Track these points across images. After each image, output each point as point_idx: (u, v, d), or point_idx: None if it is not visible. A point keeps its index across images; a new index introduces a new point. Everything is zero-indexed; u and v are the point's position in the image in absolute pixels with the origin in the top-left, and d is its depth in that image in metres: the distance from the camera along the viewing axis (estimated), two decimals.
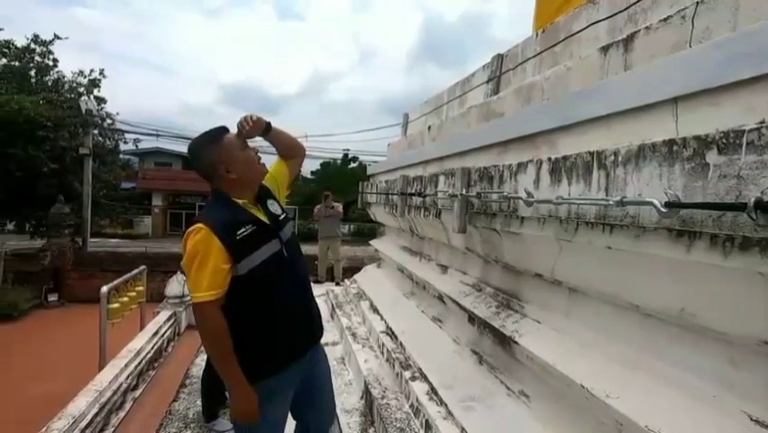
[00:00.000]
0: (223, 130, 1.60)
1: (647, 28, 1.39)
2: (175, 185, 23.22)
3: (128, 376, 4.11)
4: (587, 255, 1.41)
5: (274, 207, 1.67)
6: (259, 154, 1.63)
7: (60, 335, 9.28)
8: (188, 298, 6.72)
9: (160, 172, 24.58)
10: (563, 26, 2.04)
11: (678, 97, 1.13)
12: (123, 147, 17.93)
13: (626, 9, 1.62)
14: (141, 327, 5.93)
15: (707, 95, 1.06)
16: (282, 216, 1.68)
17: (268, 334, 1.53)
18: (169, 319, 6.04)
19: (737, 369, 1.04)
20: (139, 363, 4.51)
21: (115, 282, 5.89)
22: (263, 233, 1.54)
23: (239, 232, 1.46)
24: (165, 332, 5.72)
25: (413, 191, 2.92)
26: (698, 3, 1.22)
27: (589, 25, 1.79)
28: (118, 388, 3.81)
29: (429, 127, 3.44)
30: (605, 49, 1.55)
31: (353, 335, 3.45)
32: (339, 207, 8.08)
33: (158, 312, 6.31)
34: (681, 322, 1.15)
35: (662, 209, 0.98)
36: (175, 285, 6.85)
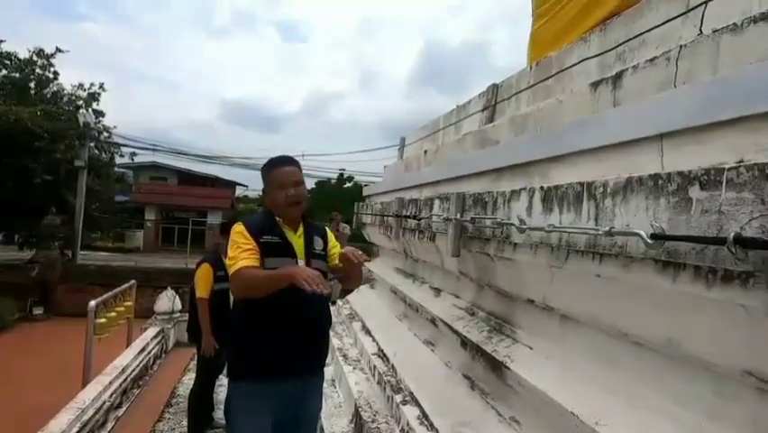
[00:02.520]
0: (273, 163, 1.88)
1: (635, 67, 1.46)
2: (169, 200, 23.14)
3: (112, 394, 4.03)
4: (577, 283, 1.44)
5: (317, 243, 1.91)
6: (291, 198, 1.81)
7: (45, 349, 9.05)
8: (177, 314, 6.63)
9: (154, 186, 24.51)
10: (556, 61, 2.13)
11: (663, 134, 1.19)
12: (118, 160, 17.95)
13: (614, 48, 1.71)
14: (128, 344, 5.82)
15: (690, 133, 1.11)
16: (319, 252, 1.90)
17: (266, 340, 1.70)
18: (156, 336, 5.95)
19: (723, 399, 1.06)
20: (124, 381, 4.42)
21: (104, 297, 5.80)
22: (284, 248, 1.79)
23: (264, 236, 1.76)
24: (152, 349, 5.63)
25: (408, 214, 2.96)
26: (681, 46, 1.29)
27: (581, 61, 1.88)
28: (101, 406, 3.73)
29: (425, 151, 3.51)
30: (595, 84, 1.63)
31: (344, 356, 3.43)
32: (347, 228, 8.11)
33: (146, 328, 6.21)
34: (669, 351, 1.18)
35: (649, 240, 1.02)
36: (165, 301, 6.77)
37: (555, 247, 1.46)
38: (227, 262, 1.77)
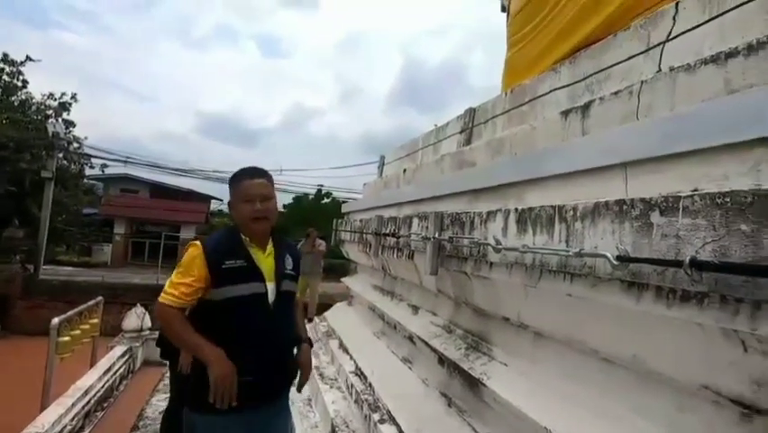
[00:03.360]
0: (244, 175, 1.71)
1: (601, 98, 1.57)
2: (141, 213, 22.49)
3: (74, 417, 3.85)
4: (550, 301, 1.51)
5: (288, 261, 1.77)
6: (258, 212, 1.66)
7: (1, 368, 8.53)
8: (146, 332, 6.40)
9: (125, 199, 23.77)
10: (529, 89, 2.25)
11: (627, 163, 1.28)
12: (89, 172, 17.39)
13: (583, 80, 1.82)
14: (93, 363, 5.57)
15: (650, 162, 1.21)
16: (289, 272, 1.77)
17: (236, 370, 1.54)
18: (123, 355, 5.72)
19: (684, 412, 1.13)
20: (87, 403, 4.23)
21: (68, 314, 5.54)
22: (250, 272, 1.63)
23: (227, 262, 1.59)
24: (119, 369, 5.40)
25: (387, 232, 3.00)
26: (642, 82, 1.40)
27: (552, 91, 1.99)
28: (62, 430, 3.55)
29: (404, 171, 3.58)
30: (565, 113, 1.73)
31: (321, 375, 3.39)
32: (323, 244, 8.06)
33: (112, 347, 5.96)
34: (635, 367, 1.25)
35: (615, 262, 1.09)
36: (133, 318, 6.53)
37: (529, 267, 1.53)
38: (166, 282, 1.60)
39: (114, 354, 5.63)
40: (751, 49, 1.10)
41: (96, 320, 6.40)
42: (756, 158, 0.97)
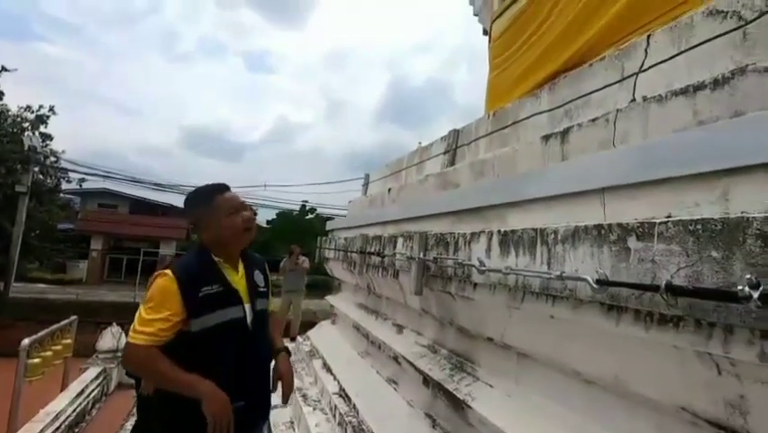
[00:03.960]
0: (216, 189, 1.64)
1: (579, 125, 1.63)
2: (119, 228, 21.92)
3: None
4: (533, 323, 1.53)
5: (258, 278, 1.71)
6: (249, 221, 1.64)
7: None
8: (121, 353, 6.19)
9: (102, 214, 23.17)
10: (511, 112, 2.31)
11: (605, 188, 1.32)
12: (66, 186, 16.97)
13: (562, 106, 1.89)
14: (64, 386, 5.34)
15: (627, 189, 1.25)
16: (262, 289, 1.71)
17: None
18: (97, 377, 5.51)
19: None
20: (57, 429, 4.05)
21: (40, 334, 5.32)
22: (227, 296, 1.56)
23: (203, 289, 1.49)
24: (91, 392, 5.20)
25: (372, 250, 3.01)
26: (618, 110, 1.46)
27: (532, 115, 2.06)
28: None
29: (389, 190, 3.61)
30: (546, 138, 1.78)
31: (304, 396, 3.33)
32: (306, 261, 7.99)
33: (85, 369, 5.74)
34: (616, 389, 1.27)
35: (595, 285, 1.12)
36: (108, 338, 6.31)
37: (513, 288, 1.55)
38: (134, 322, 1.45)
39: (87, 376, 5.42)
40: (717, 83, 1.17)
41: (68, 340, 6.16)
42: (724, 187, 1.02)
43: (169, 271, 1.49)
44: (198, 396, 1.42)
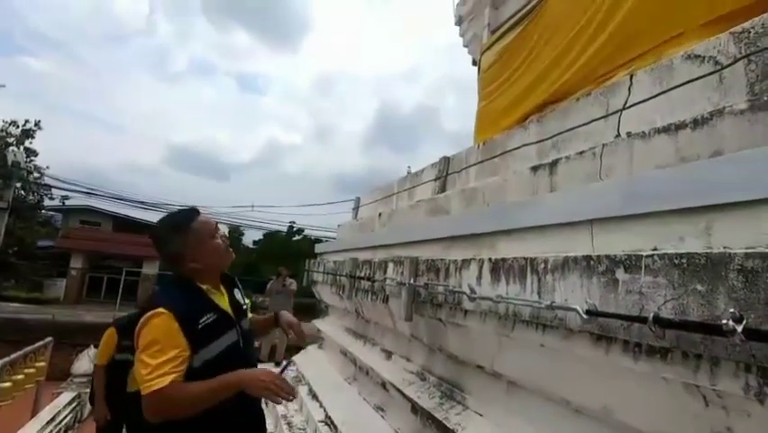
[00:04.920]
0: (190, 216, 1.57)
1: (567, 157, 1.68)
2: (100, 247, 21.42)
3: None
4: (523, 351, 1.54)
5: (238, 296, 1.70)
6: (226, 241, 1.64)
7: None
8: None
9: (84, 232, 22.64)
10: (500, 143, 2.38)
11: (593, 220, 1.37)
12: (48, 202, 16.64)
13: (550, 138, 1.96)
14: (35, 412, 5.10)
15: (614, 221, 1.30)
16: (244, 307, 1.70)
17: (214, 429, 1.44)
18: (71, 402, 5.29)
19: None
20: None
21: (12, 357, 5.11)
22: (223, 322, 1.53)
23: (201, 320, 1.43)
24: (64, 418, 4.98)
25: (362, 275, 3.00)
26: (604, 145, 1.52)
27: (521, 146, 2.12)
28: None
29: (380, 214, 3.64)
30: (535, 168, 1.84)
31: (289, 424, 3.24)
32: (293, 283, 7.91)
33: (58, 393, 5.50)
34: (605, 419, 1.28)
35: (584, 316, 1.14)
36: (85, 361, 6.09)
37: (503, 316, 1.57)
38: (142, 373, 1.33)
39: (60, 401, 5.20)
40: (696, 123, 1.23)
41: (42, 363, 5.92)
42: (707, 222, 1.06)
43: (162, 310, 1.39)
44: (241, 388, 1.39)
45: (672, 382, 1.02)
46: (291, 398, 1.43)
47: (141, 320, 1.41)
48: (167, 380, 1.31)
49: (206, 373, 1.41)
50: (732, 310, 0.83)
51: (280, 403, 1.45)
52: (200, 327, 1.42)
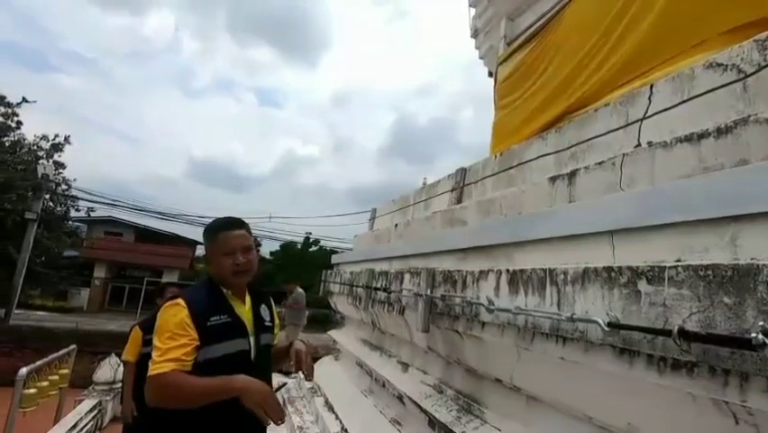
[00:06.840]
0: (220, 227, 1.65)
1: (586, 168, 1.66)
2: (123, 256, 22.00)
3: None
4: (543, 364, 1.51)
5: (265, 312, 1.73)
6: (241, 266, 1.60)
7: None
8: (119, 384, 6.05)
9: (107, 242, 23.31)
10: (517, 153, 2.37)
11: (613, 231, 1.34)
12: (73, 214, 17.18)
13: (568, 148, 1.94)
14: (58, 418, 5.21)
15: (635, 232, 1.27)
16: (268, 324, 1.72)
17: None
18: (92, 410, 5.38)
19: None
20: None
21: (37, 364, 5.24)
22: (235, 328, 1.58)
23: (212, 318, 1.51)
24: (85, 425, 5.06)
25: (378, 286, 3.00)
26: (624, 154, 1.50)
27: (539, 157, 2.11)
28: None
29: (396, 225, 3.64)
30: (553, 179, 1.82)
31: None
32: (300, 295, 7.93)
33: (80, 400, 5.61)
34: None
35: (606, 328, 1.12)
36: (106, 369, 6.20)
37: (522, 329, 1.54)
38: (153, 356, 1.42)
39: (82, 408, 5.28)
40: (720, 132, 1.21)
41: (66, 371, 6.07)
42: (732, 233, 1.04)
43: (180, 301, 1.51)
44: (239, 393, 1.40)
45: (699, 399, 0.99)
46: (279, 422, 1.44)
47: (162, 307, 1.53)
48: (170, 366, 1.38)
49: (207, 372, 1.44)
50: (762, 323, 0.81)
51: (268, 424, 1.46)
52: (209, 324, 1.50)
